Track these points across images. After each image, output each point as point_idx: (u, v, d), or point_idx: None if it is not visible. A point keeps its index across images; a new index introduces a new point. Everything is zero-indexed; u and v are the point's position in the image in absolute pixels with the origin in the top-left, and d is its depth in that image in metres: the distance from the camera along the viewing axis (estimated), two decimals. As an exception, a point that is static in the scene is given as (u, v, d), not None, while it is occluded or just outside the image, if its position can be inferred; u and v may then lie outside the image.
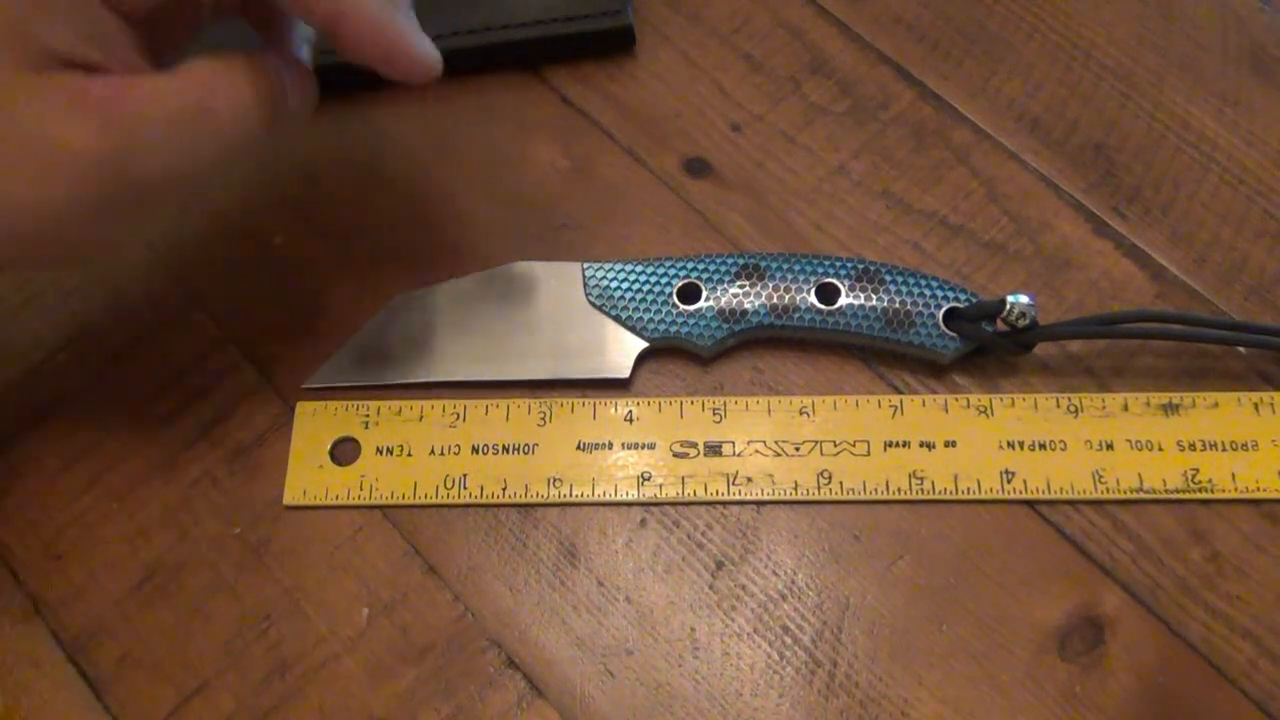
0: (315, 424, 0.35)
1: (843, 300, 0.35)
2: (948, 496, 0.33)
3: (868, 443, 0.34)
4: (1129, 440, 0.34)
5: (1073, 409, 0.34)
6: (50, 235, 0.27)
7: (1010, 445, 0.34)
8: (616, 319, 0.36)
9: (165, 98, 0.27)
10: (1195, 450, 0.33)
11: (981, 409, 0.34)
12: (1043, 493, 0.33)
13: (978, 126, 0.39)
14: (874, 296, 0.35)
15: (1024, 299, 0.33)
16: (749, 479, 0.34)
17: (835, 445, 0.34)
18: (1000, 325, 0.34)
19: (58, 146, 0.26)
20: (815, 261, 0.36)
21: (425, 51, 0.30)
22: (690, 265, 0.36)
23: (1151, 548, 0.33)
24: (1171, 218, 0.38)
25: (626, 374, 0.35)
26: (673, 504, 0.34)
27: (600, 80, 0.41)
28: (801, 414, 0.35)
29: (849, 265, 0.36)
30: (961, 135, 0.39)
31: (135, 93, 0.27)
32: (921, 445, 0.34)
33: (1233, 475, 0.33)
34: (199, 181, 0.29)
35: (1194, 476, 0.33)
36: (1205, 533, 0.33)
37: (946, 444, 0.34)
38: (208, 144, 0.29)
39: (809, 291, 0.35)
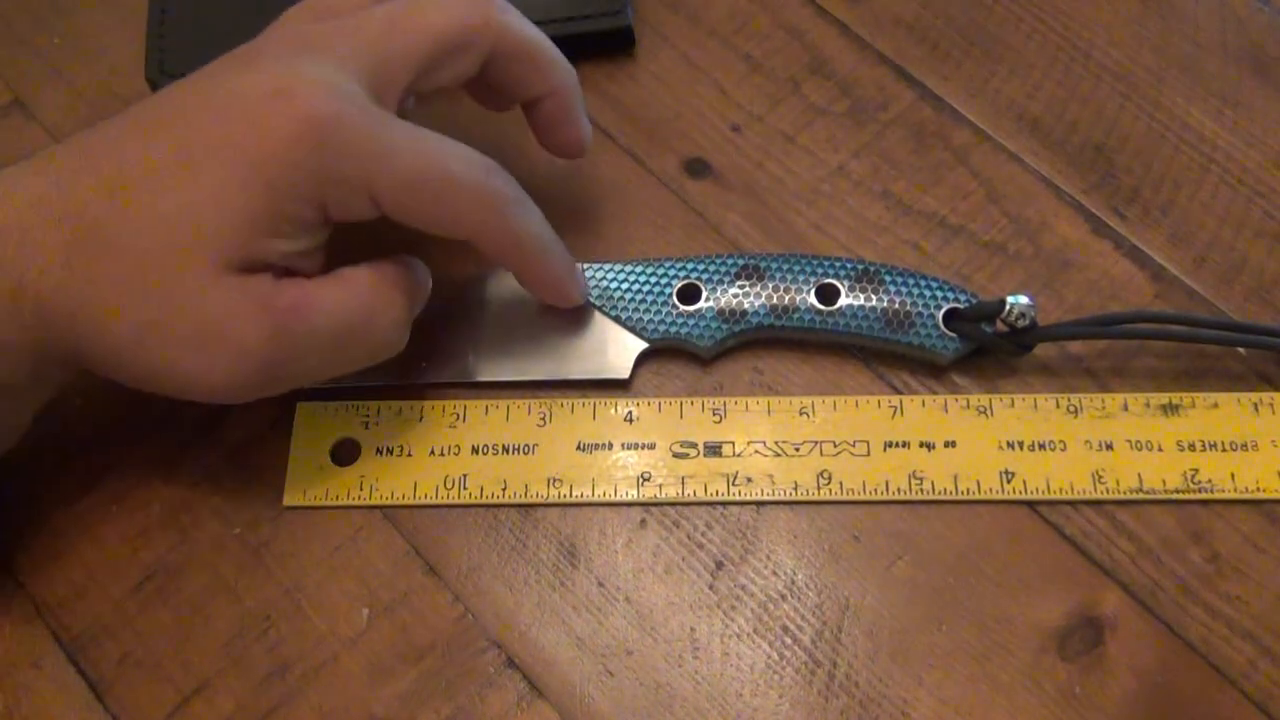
0: (315, 424, 0.35)
1: (842, 301, 0.35)
2: (947, 497, 0.33)
3: (867, 443, 0.34)
4: (1129, 441, 0.34)
5: (1072, 409, 0.34)
6: (209, 399, 0.30)
7: (1010, 445, 0.34)
8: (616, 319, 0.36)
9: (336, 311, 0.30)
10: (1195, 450, 0.33)
11: (981, 409, 0.34)
12: (1042, 493, 0.33)
13: (977, 127, 0.39)
14: (874, 297, 0.35)
15: (1024, 300, 0.33)
16: (749, 479, 0.34)
17: (835, 445, 0.34)
18: (1000, 326, 0.34)
19: (233, 342, 0.28)
20: (815, 262, 0.36)
21: (577, 288, 0.35)
22: (690, 266, 0.36)
23: (1151, 548, 0.33)
24: (1171, 218, 0.38)
25: (626, 374, 0.35)
26: (673, 504, 0.34)
27: (600, 81, 0.41)
28: (801, 414, 0.35)
29: (849, 266, 0.36)
30: (961, 136, 0.39)
31: (312, 305, 0.29)
32: (921, 445, 0.34)
33: (1232, 476, 0.33)
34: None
35: (1194, 477, 0.33)
36: (1205, 533, 0.33)
37: (946, 444, 0.34)
38: (361, 352, 0.31)
39: (809, 292, 0.35)
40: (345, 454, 0.35)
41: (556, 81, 0.34)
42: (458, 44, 0.32)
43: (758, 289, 0.35)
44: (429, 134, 0.31)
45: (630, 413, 0.35)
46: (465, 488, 0.34)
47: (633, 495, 0.34)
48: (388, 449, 0.35)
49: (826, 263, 0.36)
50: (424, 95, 0.33)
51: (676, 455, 0.34)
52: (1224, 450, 0.33)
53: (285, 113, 0.28)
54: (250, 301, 0.28)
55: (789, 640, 0.32)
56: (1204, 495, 0.33)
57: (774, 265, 0.36)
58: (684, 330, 0.35)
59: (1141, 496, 0.33)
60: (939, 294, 0.35)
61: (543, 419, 0.35)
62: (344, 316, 0.30)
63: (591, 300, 0.36)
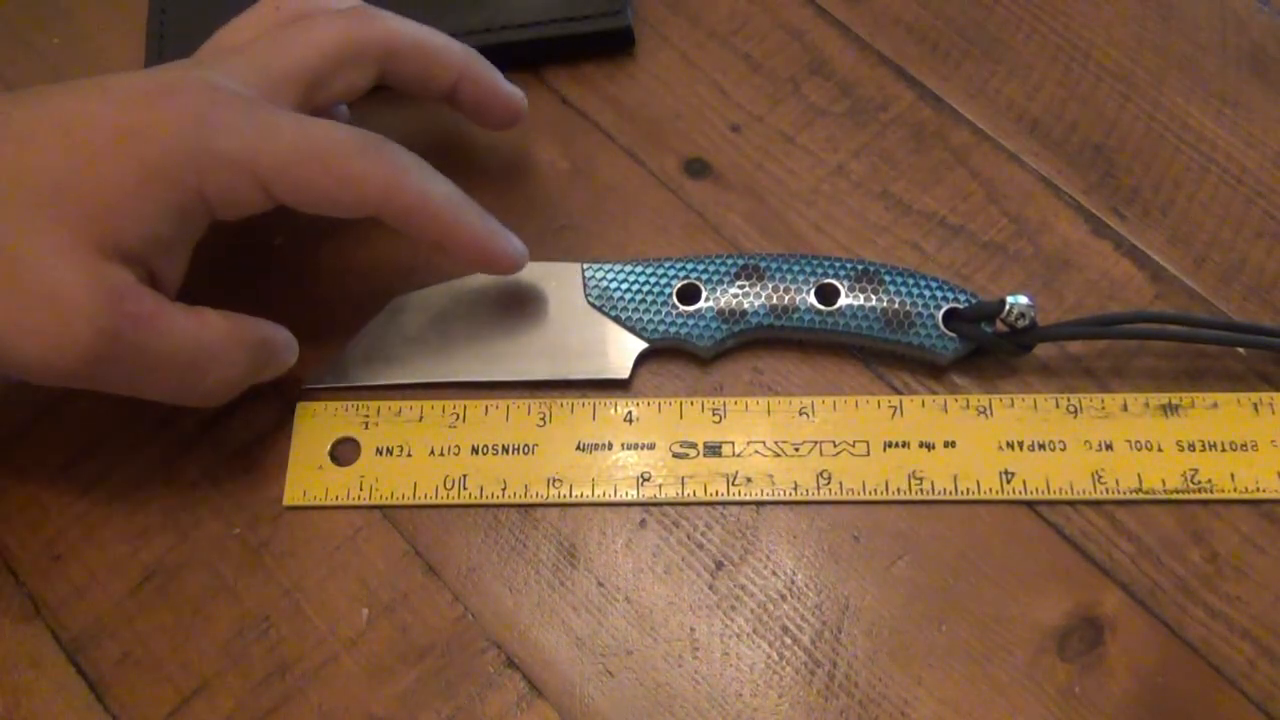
0: (315, 424, 0.35)
1: (842, 301, 0.35)
2: (947, 497, 0.33)
3: (867, 443, 0.34)
4: (1128, 441, 0.34)
5: (1072, 409, 0.34)
6: (13, 370, 0.29)
7: (1009, 446, 0.34)
8: (616, 319, 0.36)
9: (178, 342, 0.29)
10: (1195, 451, 0.33)
11: (981, 409, 0.34)
12: (1042, 493, 0.33)
13: (977, 127, 0.39)
14: (873, 297, 0.35)
15: (1023, 300, 0.33)
16: (749, 479, 0.34)
17: (835, 445, 0.34)
18: (1000, 326, 0.34)
19: (66, 323, 0.27)
20: (815, 262, 0.36)
21: (509, 246, 0.33)
22: (690, 266, 0.36)
23: (1151, 548, 0.33)
24: (1171, 218, 0.38)
25: (626, 374, 0.35)
26: (672, 504, 0.34)
27: (600, 81, 0.41)
28: (801, 414, 0.35)
29: (848, 266, 0.36)
30: (961, 136, 0.39)
31: (159, 324, 0.29)
32: (921, 446, 0.34)
33: (1232, 476, 0.33)
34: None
35: (1193, 477, 0.33)
36: (1205, 533, 0.33)
37: (946, 444, 0.34)
38: (175, 390, 0.31)
39: (808, 292, 0.35)
40: (345, 454, 0.35)
41: (457, 64, 0.34)
42: (345, 56, 0.32)
43: (757, 289, 0.35)
44: (316, 119, 0.31)
45: (630, 413, 0.35)
46: (465, 488, 0.34)
47: (633, 495, 0.34)
48: (388, 449, 0.35)
49: (826, 263, 0.36)
50: (323, 106, 0.33)
51: (676, 455, 0.34)
52: (1224, 450, 0.33)
53: (168, 103, 0.29)
54: (100, 289, 0.28)
55: (789, 640, 0.32)
56: (1204, 495, 0.33)
57: (774, 265, 0.36)
58: (684, 330, 0.35)
59: (1141, 496, 0.33)
60: (939, 294, 0.35)
61: (543, 419, 0.35)
62: (181, 351, 0.30)
63: (592, 301, 0.36)
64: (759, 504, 0.34)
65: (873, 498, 0.33)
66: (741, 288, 0.35)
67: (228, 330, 0.31)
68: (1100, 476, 0.33)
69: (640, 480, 0.34)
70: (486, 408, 0.35)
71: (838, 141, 0.39)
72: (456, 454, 0.34)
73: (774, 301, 0.35)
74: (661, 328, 0.35)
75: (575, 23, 0.40)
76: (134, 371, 0.29)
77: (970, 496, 0.33)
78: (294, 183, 0.30)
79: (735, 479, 0.34)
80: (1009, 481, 0.33)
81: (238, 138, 0.29)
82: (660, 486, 0.34)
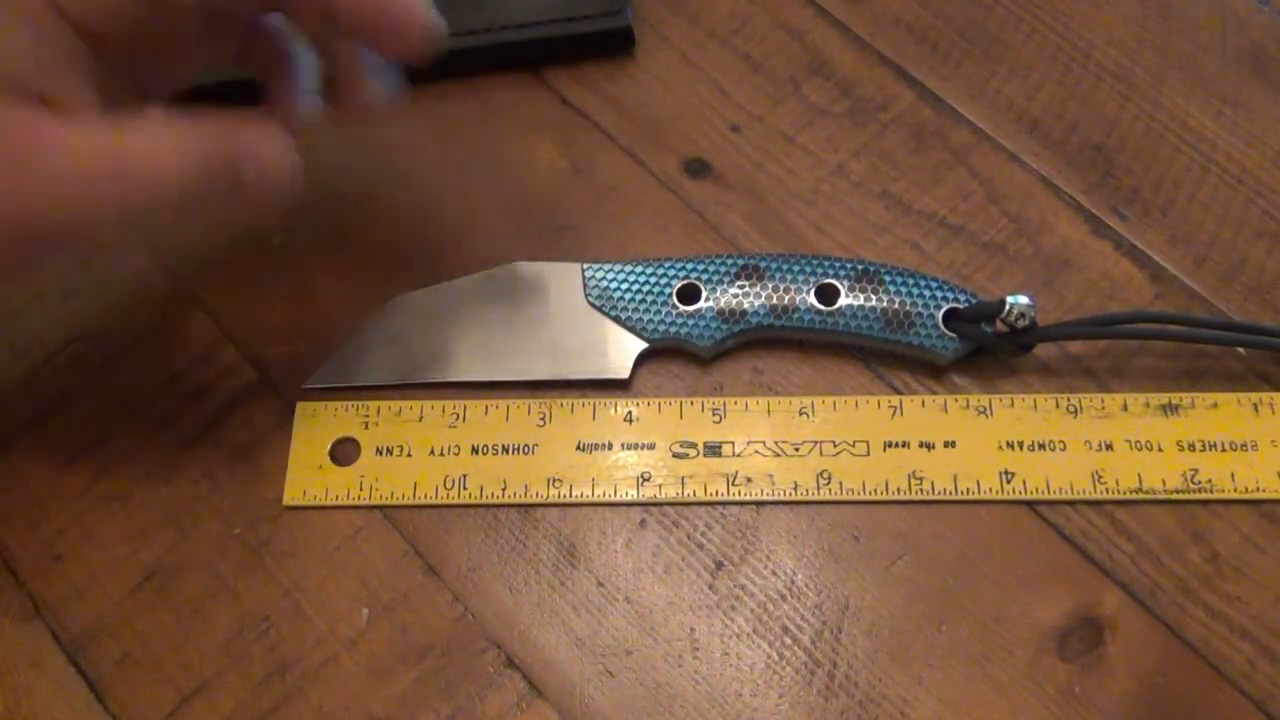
0: (315, 424, 0.35)
1: (842, 301, 0.35)
2: (947, 497, 0.33)
3: (867, 443, 0.34)
4: (1128, 441, 0.34)
5: (1072, 409, 0.34)
6: None
7: (1009, 446, 0.34)
8: (616, 319, 0.36)
9: (86, 153, 0.26)
10: (1195, 451, 0.33)
11: (981, 409, 0.34)
12: (1042, 493, 0.33)
13: (977, 127, 0.39)
14: (873, 297, 0.35)
15: (1023, 300, 0.33)
16: (749, 479, 0.34)
17: (835, 445, 0.34)
18: (1000, 326, 0.34)
19: None
20: (815, 262, 0.36)
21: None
22: (690, 266, 0.36)
23: (1151, 548, 0.33)
24: (1171, 218, 0.38)
25: (626, 374, 0.35)
26: (672, 504, 0.34)
27: (600, 81, 0.41)
28: (801, 414, 0.35)
29: (848, 266, 0.36)
30: (961, 136, 0.39)
31: (52, 142, 0.26)
32: (921, 446, 0.34)
33: (1232, 476, 0.33)
34: (109, 236, 0.28)
35: (1193, 477, 0.33)
36: (1205, 533, 0.33)
37: (946, 444, 0.34)
38: (108, 209, 0.27)
39: (808, 292, 0.35)
40: (345, 454, 0.35)
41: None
42: None
43: (757, 289, 0.35)
44: None
45: (630, 413, 0.35)
46: (465, 488, 0.34)
47: (633, 495, 0.34)
48: (388, 449, 0.35)
49: (826, 263, 0.36)
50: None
51: (676, 455, 0.34)
52: (1224, 450, 0.33)
53: None
54: None
55: (789, 640, 0.32)
56: (1204, 495, 0.33)
57: (774, 265, 0.36)
58: (684, 330, 0.35)
59: (1141, 496, 0.33)
60: (939, 294, 0.35)
61: (543, 419, 0.35)
62: (93, 159, 0.26)
63: (592, 301, 0.36)
64: (759, 504, 0.34)
65: (873, 498, 0.33)
66: (741, 288, 0.35)
67: (155, 127, 0.27)
68: (1100, 476, 0.33)
69: (640, 480, 0.34)
70: (486, 408, 0.35)
71: (838, 141, 0.39)
72: (456, 454, 0.34)
73: (774, 301, 0.35)
74: (661, 328, 0.35)
75: (575, 23, 0.40)
76: (49, 197, 0.26)
77: (970, 496, 0.33)
78: None
79: (735, 479, 0.34)
80: (1009, 481, 0.33)
81: None
82: (660, 486, 0.34)
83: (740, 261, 0.36)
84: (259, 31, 0.32)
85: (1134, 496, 0.33)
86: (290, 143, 0.29)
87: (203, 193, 0.28)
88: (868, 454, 0.34)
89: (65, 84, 0.27)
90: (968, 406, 0.34)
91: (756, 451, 0.34)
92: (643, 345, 0.35)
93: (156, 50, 0.29)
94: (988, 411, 0.34)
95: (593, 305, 0.36)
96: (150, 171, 0.27)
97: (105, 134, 0.27)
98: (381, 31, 0.29)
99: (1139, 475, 0.33)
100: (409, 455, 0.34)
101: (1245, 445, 0.33)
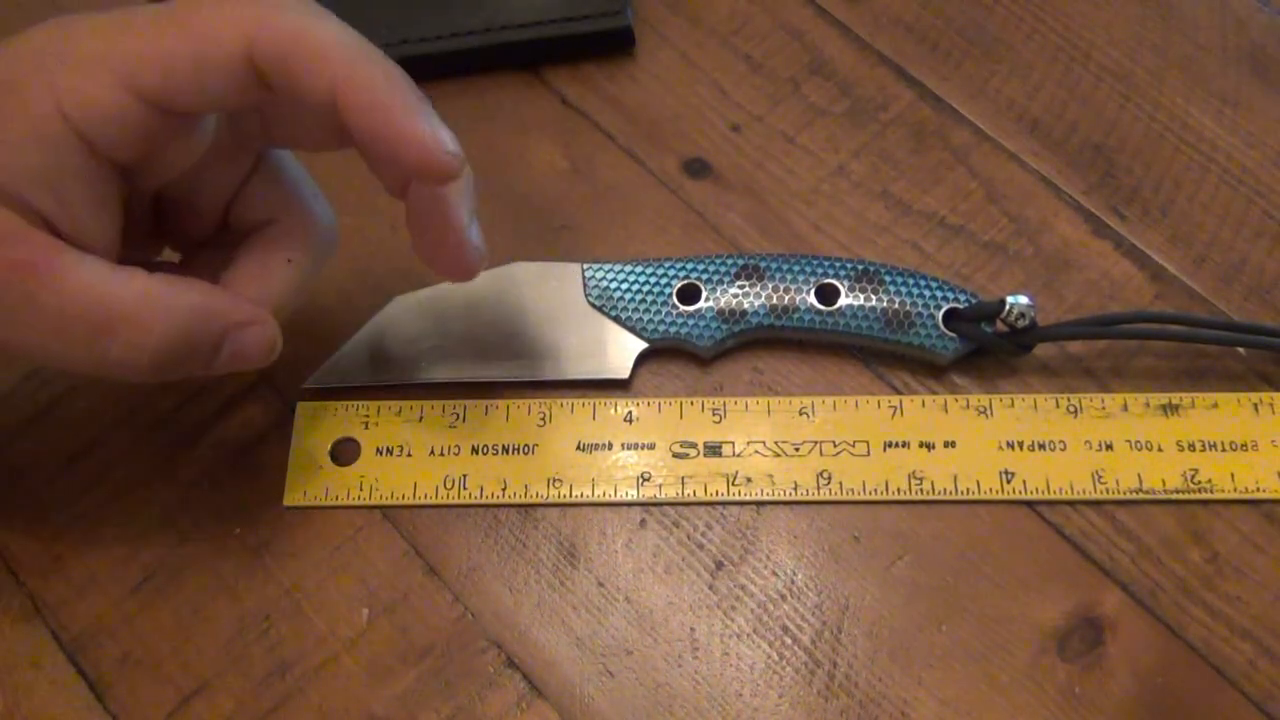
0: (315, 424, 0.35)
1: (842, 301, 0.35)
2: (947, 497, 0.33)
3: (867, 443, 0.34)
4: (1128, 441, 0.34)
5: (1072, 409, 0.34)
6: None
7: (1010, 446, 0.34)
8: (616, 319, 0.36)
9: (71, 297, 0.25)
10: (1195, 451, 0.33)
11: (981, 409, 0.34)
12: (1042, 493, 0.33)
13: (977, 127, 0.39)
14: (873, 297, 0.35)
15: (1023, 300, 0.33)
16: (749, 479, 0.34)
17: (835, 446, 0.34)
18: (1000, 326, 0.34)
19: None
20: (815, 262, 0.36)
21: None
22: (690, 266, 0.36)
23: (1151, 548, 0.33)
24: (1171, 218, 0.38)
25: (626, 374, 0.35)
26: (672, 504, 0.34)
27: (599, 81, 0.41)
28: (801, 414, 0.35)
29: (848, 266, 0.36)
30: (961, 136, 0.39)
31: (46, 272, 0.25)
32: (921, 446, 0.34)
33: (1232, 476, 0.33)
34: (70, 369, 0.27)
35: (1193, 477, 0.33)
36: (1205, 533, 0.33)
37: (946, 444, 0.34)
38: (80, 356, 0.26)
39: (808, 292, 0.35)
40: (345, 454, 0.35)
41: (333, 66, 0.26)
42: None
43: (757, 289, 0.35)
44: None
45: (630, 413, 0.35)
46: (465, 488, 0.34)
47: (633, 495, 0.34)
48: (388, 449, 0.35)
49: (826, 263, 0.36)
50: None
51: (676, 455, 0.34)
52: (1224, 450, 0.33)
53: (23, 34, 0.26)
54: None
55: (789, 640, 0.32)
56: (1204, 495, 0.33)
57: (774, 265, 0.36)
58: (684, 330, 0.35)
59: (1141, 496, 0.33)
60: (939, 294, 0.35)
61: (543, 419, 0.35)
62: (81, 306, 0.25)
63: (592, 301, 0.36)
64: (759, 504, 0.34)
65: (873, 498, 0.33)
66: (741, 288, 0.35)
67: (147, 291, 0.26)
68: (1100, 476, 0.33)
69: (640, 480, 0.34)
70: (486, 408, 0.35)
71: (838, 141, 0.39)
72: (456, 454, 0.34)
73: (774, 301, 0.35)
74: (661, 328, 0.35)
75: (575, 23, 0.40)
76: (26, 327, 0.26)
77: (970, 496, 0.33)
78: (157, 66, 0.25)
79: (735, 479, 0.34)
80: (1009, 481, 0.33)
81: (89, 38, 0.25)
82: (660, 486, 0.34)
83: (740, 261, 0.36)
84: (266, 165, 0.31)
85: (1134, 496, 0.33)
86: (275, 326, 0.29)
87: (175, 362, 0.27)
88: (868, 454, 0.34)
89: (69, 209, 0.26)
90: (968, 406, 0.34)
91: (756, 451, 0.34)
92: (643, 345, 0.35)
93: (168, 169, 0.28)
94: (988, 411, 0.34)
95: (593, 305, 0.36)
96: (133, 333, 0.26)
97: (100, 282, 0.26)
98: (398, 166, 0.28)
99: (1139, 475, 0.33)
100: (409, 455, 0.34)
101: (1245, 445, 0.33)
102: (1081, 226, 0.38)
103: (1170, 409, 0.34)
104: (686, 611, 0.32)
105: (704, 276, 0.36)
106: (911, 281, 0.35)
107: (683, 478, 0.34)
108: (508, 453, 0.34)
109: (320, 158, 0.33)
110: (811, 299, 0.35)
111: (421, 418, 0.35)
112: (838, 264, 0.36)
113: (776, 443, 0.34)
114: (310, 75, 0.26)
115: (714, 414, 0.35)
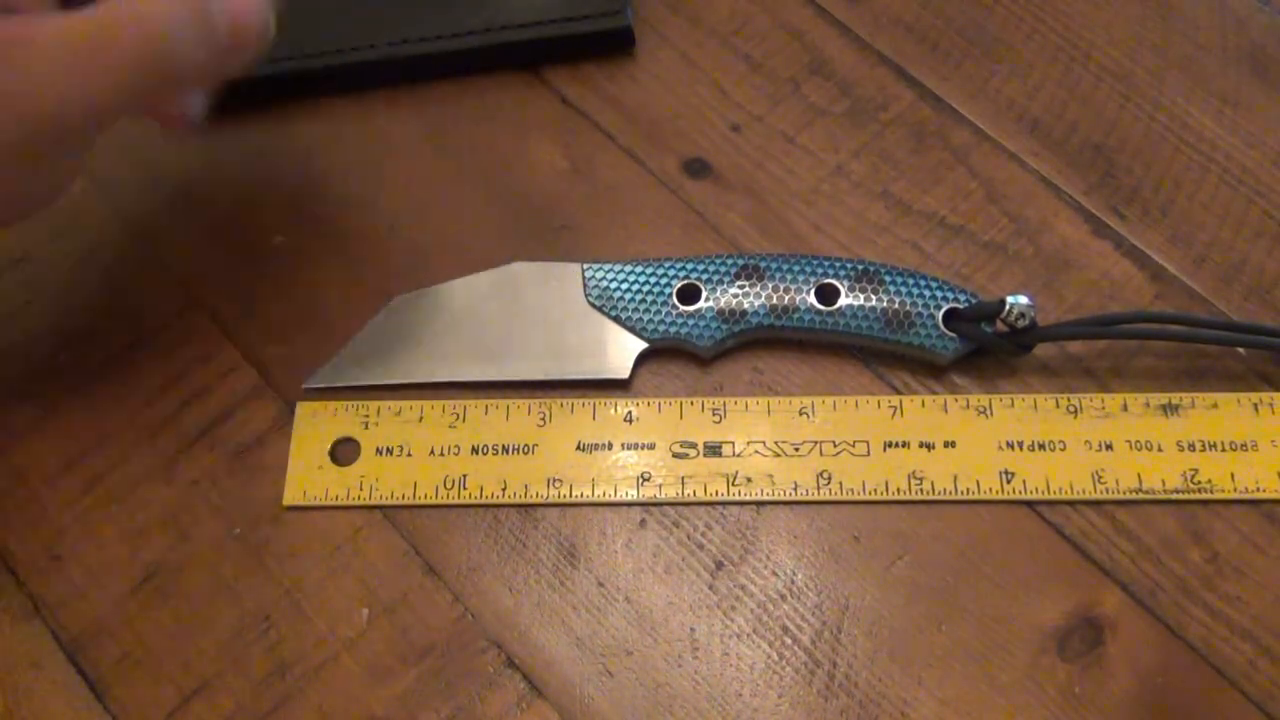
0: (315, 424, 0.35)
1: (842, 301, 0.35)
2: (947, 497, 0.33)
3: (867, 443, 0.34)
4: (1128, 441, 0.34)
5: (1072, 409, 0.34)
6: None
7: (1010, 446, 0.34)
8: (616, 319, 0.36)
9: (64, 35, 0.26)
10: (1195, 451, 0.33)
11: (981, 409, 0.34)
12: (1042, 493, 0.33)
13: (977, 127, 0.39)
14: (873, 297, 0.35)
15: (1023, 300, 0.33)
16: (748, 479, 0.34)
17: (835, 446, 0.34)
18: (1000, 326, 0.34)
19: None
20: (815, 262, 0.36)
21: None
22: (690, 266, 0.36)
23: (1151, 548, 0.33)
24: (1171, 218, 0.38)
25: (626, 374, 0.35)
26: (672, 504, 0.34)
27: (599, 81, 0.41)
28: (801, 414, 0.35)
29: (848, 266, 0.36)
30: (961, 136, 0.39)
31: (31, 34, 0.26)
32: (921, 446, 0.34)
33: (1232, 476, 0.33)
34: (108, 116, 0.28)
35: (1193, 477, 0.33)
36: (1205, 533, 0.33)
37: (946, 444, 0.34)
38: (107, 78, 0.27)
39: (808, 292, 0.35)
40: (345, 454, 0.35)
41: None
42: None
43: (757, 289, 0.35)
44: None
45: (630, 413, 0.35)
46: (465, 488, 0.34)
47: (633, 495, 0.34)
48: (388, 449, 0.35)
49: (826, 263, 0.36)
50: None
51: (676, 455, 0.34)
52: (1224, 450, 0.33)
53: None
54: None
55: (789, 640, 0.32)
56: (1204, 495, 0.33)
57: (774, 265, 0.36)
58: (684, 330, 0.35)
59: (1141, 496, 0.33)
60: (939, 294, 0.35)
61: (543, 419, 0.35)
62: (74, 36, 0.26)
63: (592, 301, 0.36)
64: (759, 504, 0.34)
65: (873, 498, 0.33)
66: (741, 288, 0.35)
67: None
68: (1100, 476, 0.33)
69: (640, 480, 0.34)
70: (486, 408, 0.35)
71: (838, 141, 0.39)
72: (456, 454, 0.34)
73: (774, 301, 0.35)
74: (661, 328, 0.35)
75: (575, 23, 0.40)
76: (49, 93, 0.26)
77: (970, 496, 0.33)
78: None
79: (735, 479, 0.34)
80: (1009, 481, 0.33)
81: None
82: (660, 486, 0.34)
83: (740, 261, 0.36)
84: None
85: (1134, 496, 0.33)
86: None
87: (186, 49, 0.28)
88: (868, 454, 0.34)
89: None
90: (968, 406, 0.34)
91: (756, 451, 0.34)
92: (643, 345, 0.35)
93: None
94: (988, 411, 0.34)
95: (593, 305, 0.36)
96: (137, 28, 0.27)
97: (81, 13, 0.26)
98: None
99: (1139, 475, 0.33)
100: (409, 455, 0.34)
101: (1245, 445, 0.33)
102: (1081, 226, 0.38)
103: (1170, 409, 0.34)
104: (686, 611, 0.32)
105: (704, 276, 0.36)
106: (911, 281, 0.35)
107: (683, 478, 0.34)
108: (508, 453, 0.34)
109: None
110: (811, 299, 0.35)
111: (421, 418, 0.35)
112: (838, 264, 0.36)
113: (776, 443, 0.34)
114: None
115: (714, 414, 0.35)
